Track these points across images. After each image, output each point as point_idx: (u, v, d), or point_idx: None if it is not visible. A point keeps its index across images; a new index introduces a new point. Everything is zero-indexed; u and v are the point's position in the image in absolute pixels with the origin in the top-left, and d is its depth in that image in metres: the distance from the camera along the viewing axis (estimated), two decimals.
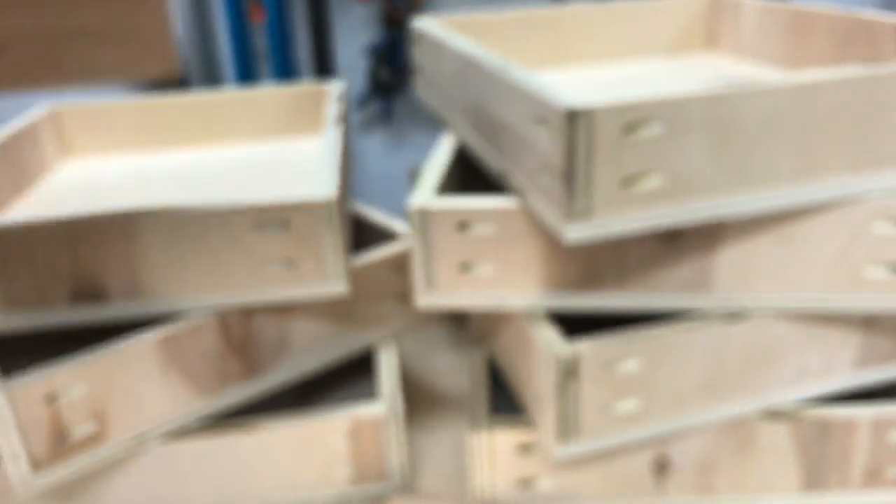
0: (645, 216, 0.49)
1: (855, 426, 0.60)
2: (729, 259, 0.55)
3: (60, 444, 0.58)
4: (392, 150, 1.94)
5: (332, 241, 0.62)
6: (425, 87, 0.84)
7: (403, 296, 0.74)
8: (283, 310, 0.66)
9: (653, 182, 0.48)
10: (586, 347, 0.55)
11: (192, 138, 0.92)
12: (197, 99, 0.91)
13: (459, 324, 0.96)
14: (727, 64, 0.85)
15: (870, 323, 0.59)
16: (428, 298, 0.61)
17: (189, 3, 1.84)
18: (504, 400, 0.67)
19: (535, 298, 0.59)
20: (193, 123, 0.92)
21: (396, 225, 0.79)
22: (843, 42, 0.68)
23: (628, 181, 0.48)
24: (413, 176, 0.96)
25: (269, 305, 0.65)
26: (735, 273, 0.56)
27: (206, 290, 0.62)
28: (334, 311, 0.70)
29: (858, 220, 0.53)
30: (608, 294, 0.58)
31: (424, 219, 0.57)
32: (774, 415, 0.60)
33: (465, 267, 0.59)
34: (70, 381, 0.57)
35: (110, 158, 0.89)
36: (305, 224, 0.61)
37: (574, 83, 0.82)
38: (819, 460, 0.61)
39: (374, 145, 1.92)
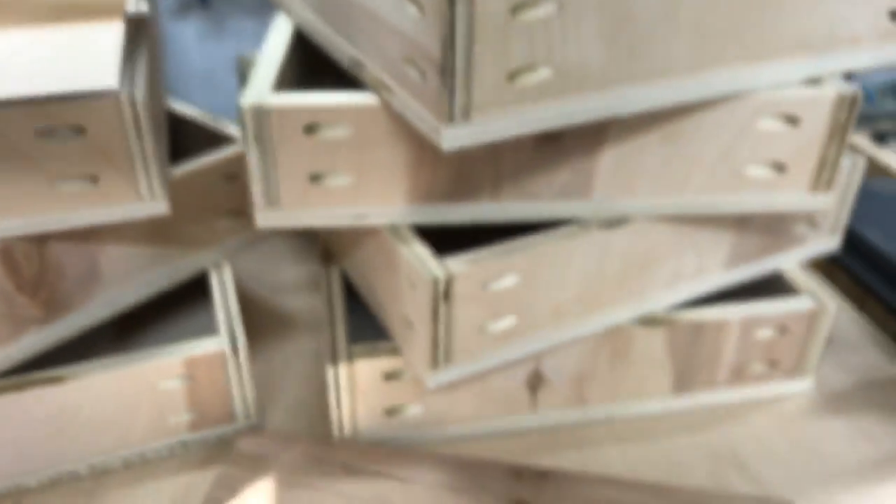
0: (532, 115, 0.42)
1: (726, 327, 0.59)
2: (612, 161, 0.50)
3: None
4: (212, 38, 1.70)
5: (141, 147, 0.50)
6: None
7: (237, 210, 0.63)
8: (87, 235, 0.54)
9: (541, 75, 0.41)
10: (460, 265, 0.48)
11: None
12: None
13: (302, 234, 0.87)
14: None
15: (743, 222, 0.57)
16: (270, 217, 0.51)
17: None
18: (360, 322, 0.59)
19: (401, 213, 0.51)
20: None
21: (224, 126, 0.66)
22: None
23: (513, 74, 0.40)
24: (243, 68, 0.82)
25: (66, 232, 0.52)
26: (617, 176, 0.51)
27: None
28: (153, 231, 0.58)
29: (745, 116, 0.49)
30: (482, 205, 0.51)
31: (261, 119, 0.46)
32: (650, 321, 0.58)
33: (316, 178, 0.49)
34: None
35: None
36: (104, 127, 0.48)
37: None
38: (690, 362, 0.60)
39: (189, 33, 1.68)
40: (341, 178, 0.50)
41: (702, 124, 0.49)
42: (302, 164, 0.48)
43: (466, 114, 0.40)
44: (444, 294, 0.48)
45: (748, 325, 0.59)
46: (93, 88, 0.46)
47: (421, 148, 0.48)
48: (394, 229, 0.52)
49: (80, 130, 0.48)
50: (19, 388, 0.51)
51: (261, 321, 0.74)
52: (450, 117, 0.39)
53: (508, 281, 0.50)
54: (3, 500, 0.54)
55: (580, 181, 0.51)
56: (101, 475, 0.56)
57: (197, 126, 0.68)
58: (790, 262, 0.63)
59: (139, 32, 0.58)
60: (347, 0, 0.48)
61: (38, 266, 0.52)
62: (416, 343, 0.52)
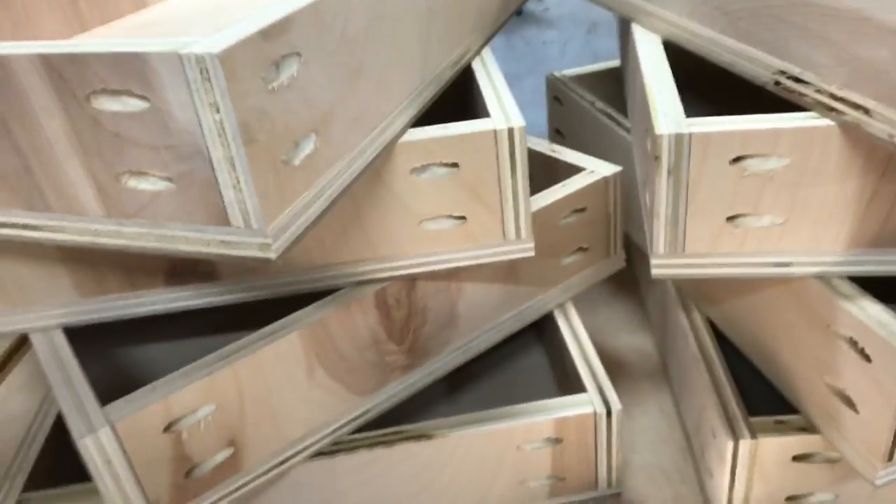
0: None
1: None
2: None
3: (184, 480, 0.43)
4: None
5: (513, 183, 0.45)
6: None
7: (582, 246, 0.57)
8: (449, 277, 0.50)
9: None
10: None
11: None
12: None
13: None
14: None
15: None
16: (670, 266, 0.43)
17: None
18: (738, 383, 0.50)
19: (840, 261, 0.41)
20: None
21: (560, 153, 0.61)
22: None
23: None
24: (553, 88, 0.76)
25: (431, 274, 0.48)
26: None
27: (355, 257, 0.45)
28: (506, 272, 0.53)
29: None
30: None
31: (680, 150, 0.39)
32: None
33: (733, 219, 0.41)
34: (192, 400, 0.41)
35: None
36: (478, 162, 0.43)
37: None
38: None
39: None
40: (765, 219, 0.41)
41: None
42: (722, 201, 0.40)
43: None
44: None
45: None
46: (493, 127, 0.42)
47: (879, 182, 0.38)
48: (824, 279, 0.42)
49: (453, 166, 0.44)
50: (389, 443, 0.48)
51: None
52: None
53: None
54: None
55: None
56: None
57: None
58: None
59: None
60: (784, 2, 0.40)
61: (406, 311, 0.49)
62: (858, 427, 0.41)
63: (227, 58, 0.27)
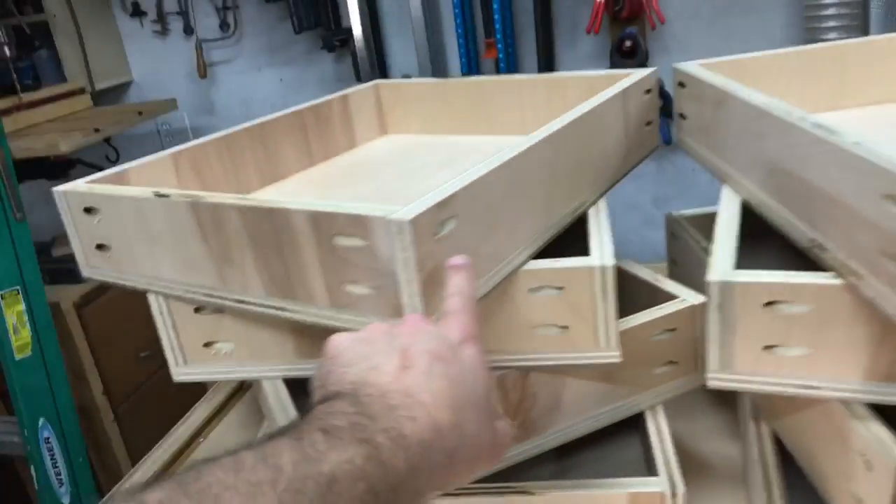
0: None
1: None
2: None
3: None
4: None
5: (605, 306, 0.60)
6: (690, 133, 0.80)
7: (673, 360, 0.70)
8: (557, 372, 0.65)
9: None
10: None
11: None
12: None
13: None
14: None
15: None
16: (722, 379, 0.56)
17: (425, 42, 1.93)
18: (795, 488, 0.60)
19: (855, 389, 0.53)
20: None
21: (663, 283, 0.75)
22: None
23: None
24: (672, 228, 0.91)
25: (542, 367, 0.64)
26: None
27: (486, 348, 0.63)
28: (605, 374, 0.68)
29: None
30: None
31: (725, 294, 0.53)
32: None
33: (770, 348, 0.54)
34: None
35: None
36: (579, 288, 0.59)
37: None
38: None
39: None
40: (795, 350, 0.53)
41: None
42: (758, 334, 0.54)
43: None
44: None
45: None
46: (591, 265, 0.59)
47: (884, 330, 0.50)
48: (847, 403, 0.53)
49: (559, 289, 0.60)
50: (496, 493, 0.63)
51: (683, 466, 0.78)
52: None
53: None
54: None
55: None
56: None
57: (632, 276, 0.77)
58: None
59: None
60: (810, 187, 0.54)
61: (520, 393, 0.65)
62: None
63: (415, 221, 0.47)
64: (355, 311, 0.53)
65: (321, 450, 0.32)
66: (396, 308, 0.50)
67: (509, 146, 0.59)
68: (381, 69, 2.03)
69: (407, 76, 2.00)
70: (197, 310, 0.66)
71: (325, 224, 0.50)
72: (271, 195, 0.80)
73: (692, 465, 0.78)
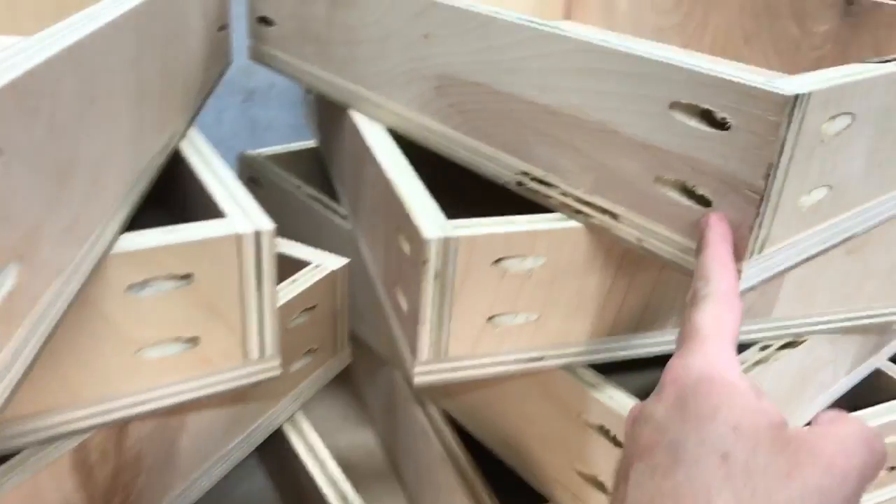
0: (810, 241, 0.36)
1: None
2: (796, 277, 0.45)
3: None
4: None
5: (259, 297, 0.38)
6: (281, 45, 0.59)
7: (312, 348, 0.52)
8: (169, 413, 0.40)
9: (818, 195, 0.35)
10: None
11: None
12: None
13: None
14: None
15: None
16: (434, 371, 0.41)
17: None
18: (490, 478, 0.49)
19: (582, 351, 0.43)
20: None
21: (282, 244, 0.55)
22: None
23: (803, 198, 0.34)
24: (245, 167, 0.70)
25: (153, 413, 0.38)
26: (799, 293, 0.46)
27: (44, 406, 0.34)
28: (233, 394, 0.45)
29: None
30: (669, 333, 0.44)
31: (447, 254, 0.37)
32: None
33: (493, 318, 0.40)
34: None
35: None
36: (216, 273, 0.36)
37: None
38: None
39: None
40: (521, 317, 0.41)
41: (887, 234, 0.46)
42: (483, 303, 0.39)
43: (761, 248, 0.33)
44: None
45: None
46: (237, 232, 0.35)
47: (615, 276, 0.41)
48: (572, 370, 0.43)
49: (185, 277, 0.36)
50: None
51: None
52: (750, 252, 0.33)
53: None
54: None
55: (764, 301, 0.46)
56: None
57: None
58: (883, 359, 0.62)
59: None
60: (518, 106, 0.41)
61: (113, 465, 0.38)
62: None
63: None
64: None
65: None
66: None
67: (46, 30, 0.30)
68: None
69: None
70: None
71: None
72: None
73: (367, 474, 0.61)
